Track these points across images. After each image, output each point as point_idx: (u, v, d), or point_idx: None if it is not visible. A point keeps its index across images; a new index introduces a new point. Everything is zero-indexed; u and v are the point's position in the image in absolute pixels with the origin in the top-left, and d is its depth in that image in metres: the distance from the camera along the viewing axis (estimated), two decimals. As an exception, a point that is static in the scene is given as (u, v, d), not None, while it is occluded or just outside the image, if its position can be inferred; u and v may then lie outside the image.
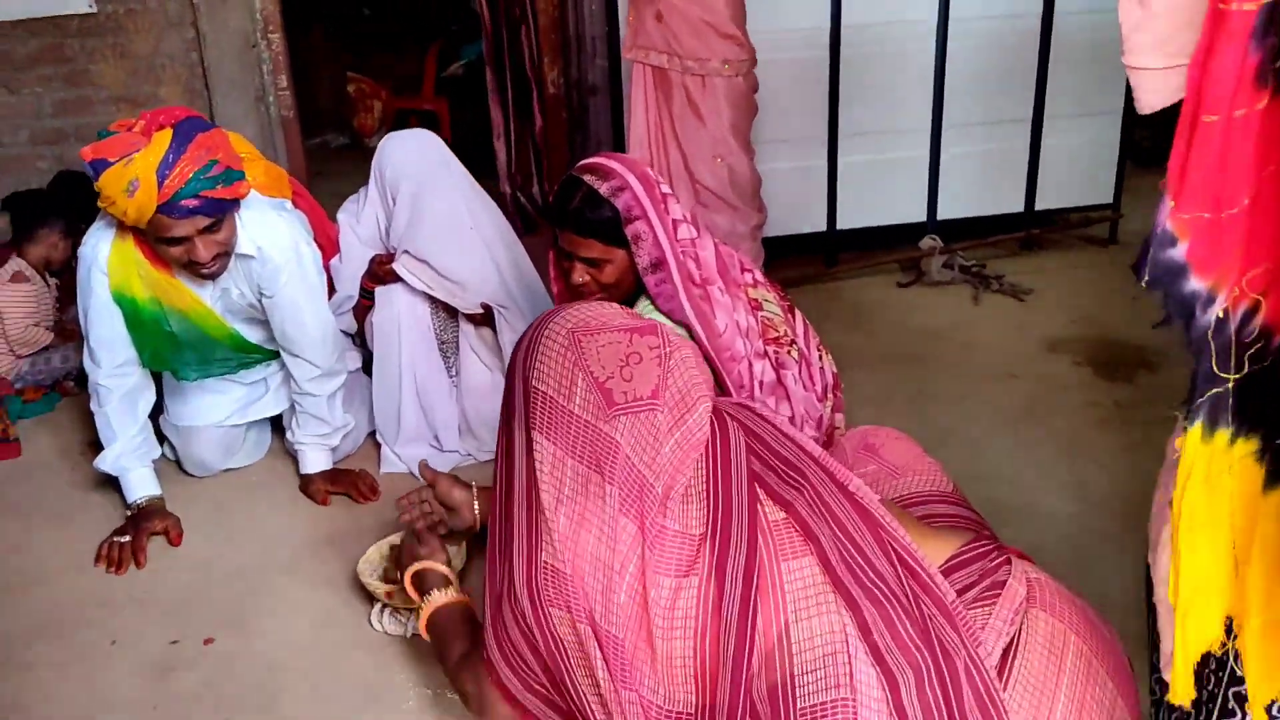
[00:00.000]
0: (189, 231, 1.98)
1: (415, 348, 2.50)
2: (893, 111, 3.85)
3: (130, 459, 2.21)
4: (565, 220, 1.85)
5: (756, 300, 1.96)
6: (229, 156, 2.02)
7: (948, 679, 1.19)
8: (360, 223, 2.53)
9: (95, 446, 2.29)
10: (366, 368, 2.67)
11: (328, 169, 7.02)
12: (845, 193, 3.90)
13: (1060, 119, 3.96)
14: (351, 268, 2.53)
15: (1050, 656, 1.25)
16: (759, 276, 2.05)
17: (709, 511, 1.19)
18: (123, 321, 2.14)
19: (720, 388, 1.88)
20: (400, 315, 2.47)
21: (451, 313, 2.52)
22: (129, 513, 2.21)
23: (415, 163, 2.40)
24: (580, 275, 1.88)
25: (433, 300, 2.48)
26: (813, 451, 1.27)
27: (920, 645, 1.18)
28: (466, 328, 2.51)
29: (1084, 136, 4.01)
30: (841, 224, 3.94)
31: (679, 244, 1.85)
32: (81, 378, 2.97)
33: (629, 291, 1.91)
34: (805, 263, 3.92)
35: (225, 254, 2.10)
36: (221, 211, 2.02)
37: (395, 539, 1.96)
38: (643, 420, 1.19)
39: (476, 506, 1.82)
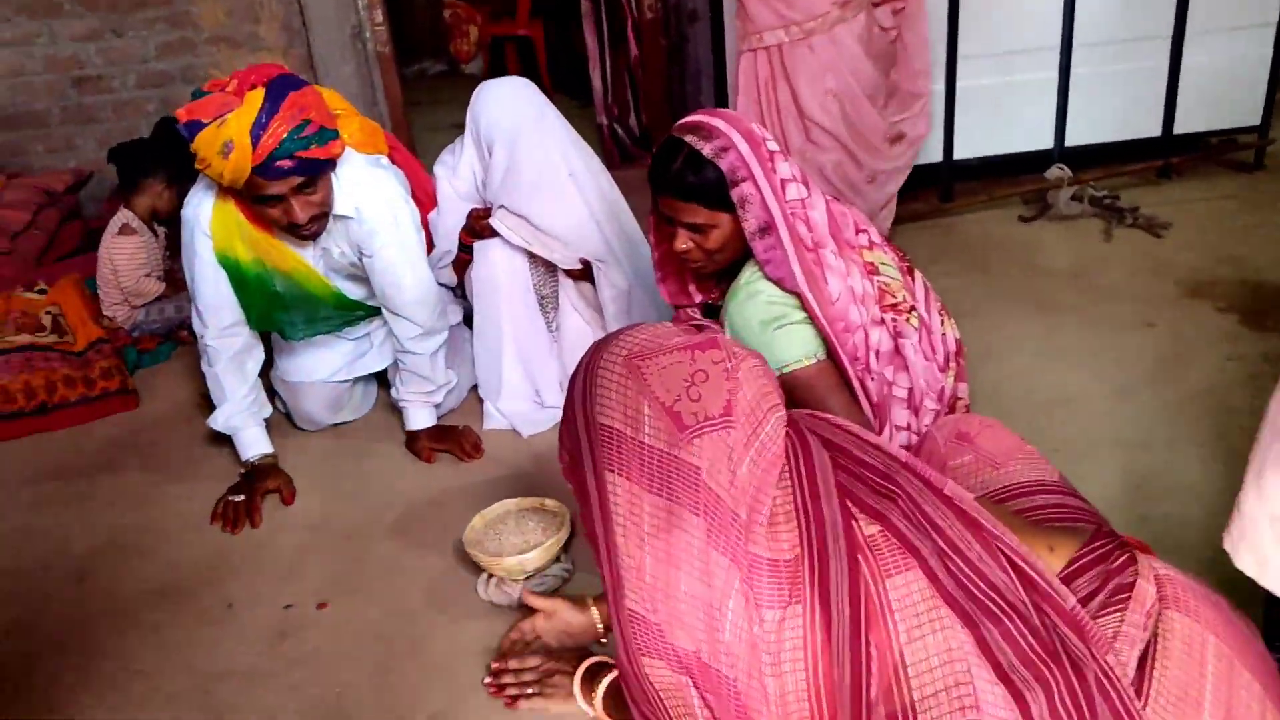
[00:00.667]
0: (284, 191, 1.96)
1: (515, 303, 2.45)
2: (1018, 29, 3.56)
3: (242, 418, 2.24)
4: (666, 184, 1.74)
5: (872, 263, 1.83)
6: (322, 115, 1.97)
7: (1080, 695, 1.10)
8: (457, 175, 2.47)
9: (209, 400, 2.33)
10: (468, 320, 2.64)
11: (425, 97, 7.01)
12: (964, 119, 3.65)
13: (1203, 35, 3.60)
14: (449, 221, 2.49)
15: (1190, 661, 1.14)
16: (875, 237, 1.91)
17: (801, 532, 1.12)
18: (228, 283, 2.15)
19: (833, 361, 1.77)
20: (499, 271, 2.42)
21: (550, 267, 2.46)
22: (243, 470, 2.25)
23: (510, 113, 2.31)
24: (684, 242, 1.78)
25: (531, 255, 2.42)
26: (901, 456, 1.18)
27: (1047, 660, 1.09)
28: (566, 282, 2.44)
29: (1230, 53, 3.65)
30: (959, 154, 3.70)
31: (788, 205, 1.73)
32: (195, 327, 3.05)
33: (735, 257, 1.81)
34: (918, 198, 3.72)
35: (323, 215, 2.07)
36: (317, 171, 1.98)
37: (500, 507, 1.95)
38: (717, 441, 1.11)
39: (598, 620, 1.61)
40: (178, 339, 3.11)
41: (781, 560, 1.10)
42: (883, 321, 1.83)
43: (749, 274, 1.77)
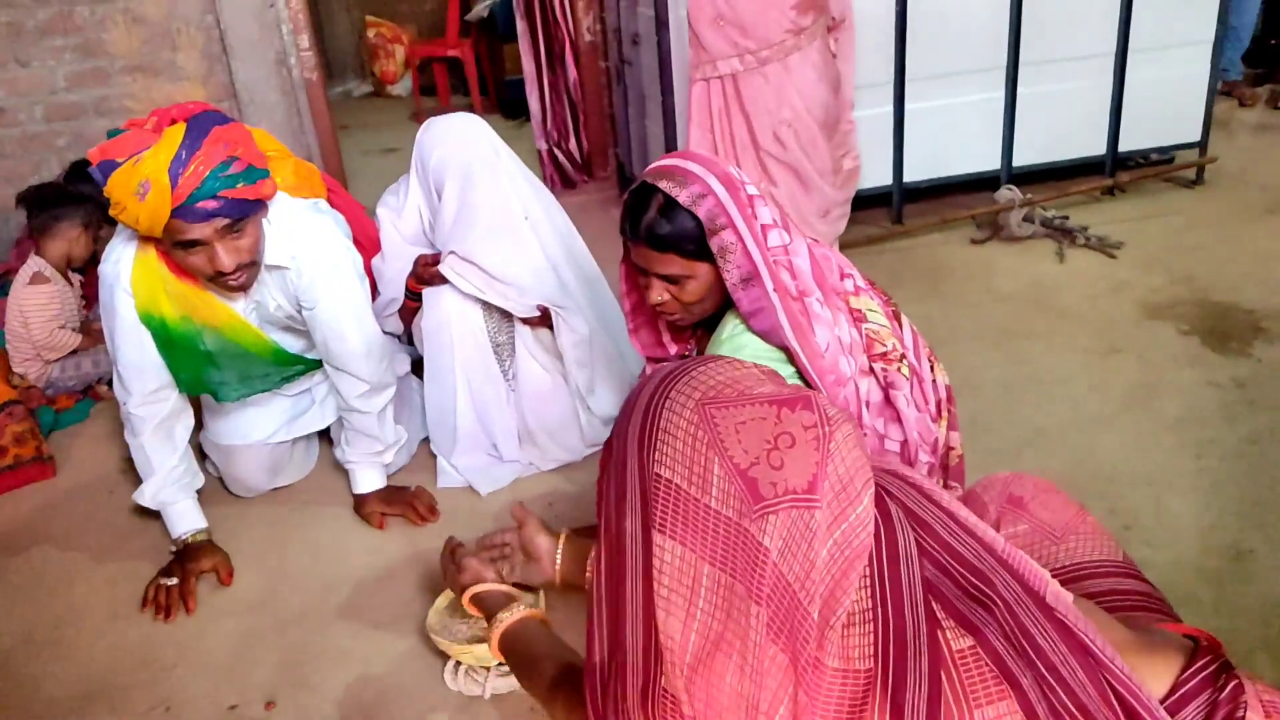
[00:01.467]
0: (208, 234, 1.77)
1: (468, 352, 2.30)
2: (964, 50, 3.53)
3: (171, 491, 2.05)
4: (639, 234, 1.62)
5: (859, 310, 1.73)
6: (250, 153, 1.80)
7: None
8: (402, 218, 2.31)
9: (133, 466, 2.12)
10: (416, 369, 2.48)
11: (353, 119, 6.78)
12: (913, 142, 3.60)
13: (1144, 52, 3.61)
14: (395, 267, 2.32)
15: None
16: (860, 282, 1.81)
17: (876, 639, 0.97)
18: (153, 344, 1.96)
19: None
20: (450, 319, 2.26)
21: (506, 313, 2.31)
22: (174, 549, 2.05)
23: (460, 152, 2.16)
24: (659, 294, 1.66)
25: (485, 301, 2.27)
26: (994, 544, 1.04)
27: None
28: (522, 329, 2.30)
29: (1169, 71, 3.67)
30: (909, 177, 3.66)
31: (770, 252, 1.62)
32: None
33: (714, 308, 1.69)
34: (870, 220, 3.66)
35: (252, 264, 1.90)
36: (245, 213, 1.80)
37: (464, 584, 1.79)
38: (796, 521, 0.96)
39: (559, 559, 1.63)
40: (95, 395, 2.88)
41: (850, 670, 0.97)
42: (872, 371, 1.72)
43: (731, 326, 1.65)
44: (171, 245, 1.81)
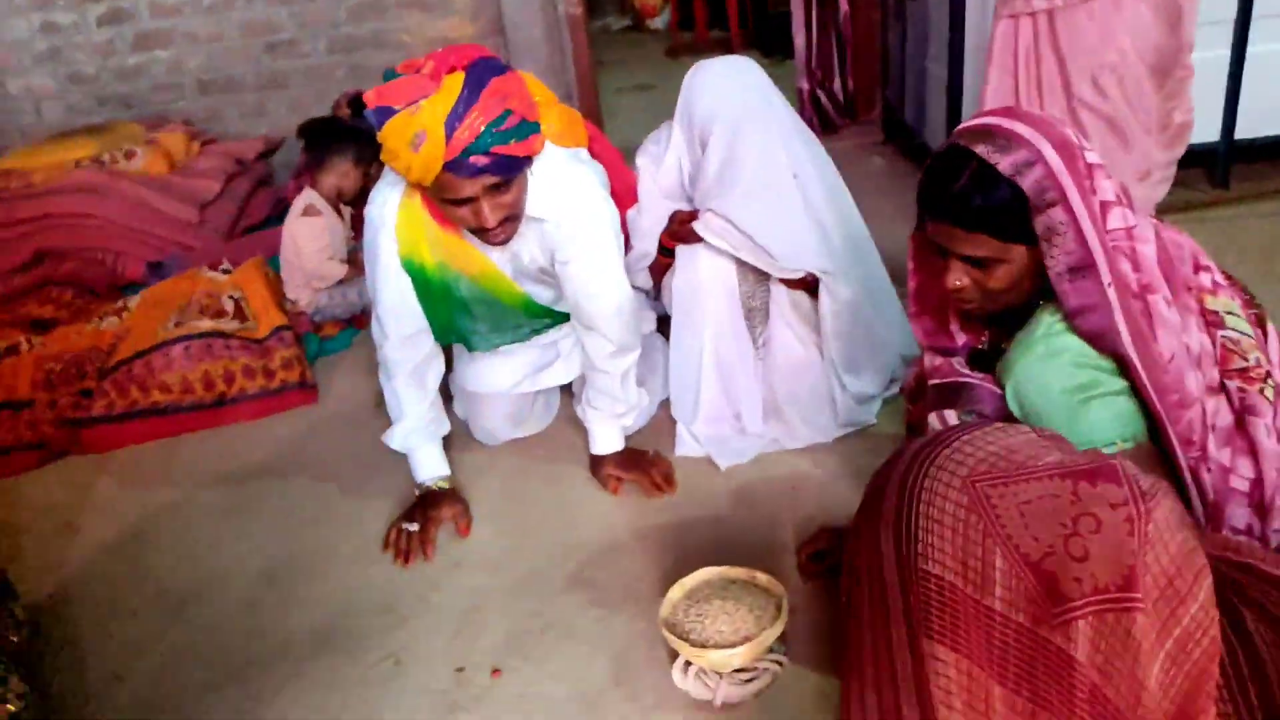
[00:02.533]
0: (475, 192, 1.71)
1: (719, 316, 2.14)
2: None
3: (419, 437, 2.05)
4: (944, 207, 1.36)
5: (1215, 313, 1.40)
6: (524, 105, 1.69)
7: None
8: (661, 170, 2.16)
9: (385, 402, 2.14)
10: (660, 326, 2.35)
11: (608, 55, 6.74)
12: (1250, 92, 3.03)
13: None
14: (650, 220, 2.19)
15: None
16: (1218, 276, 1.47)
17: None
18: (412, 289, 1.94)
19: (1159, 444, 1.36)
20: (703, 280, 2.11)
21: (761, 276, 2.13)
22: (417, 492, 2.06)
23: (732, 101, 1.97)
24: (958, 277, 1.40)
25: (741, 260, 2.09)
26: None
27: None
28: (778, 295, 2.11)
29: None
30: (1242, 133, 3.09)
31: (1110, 237, 1.32)
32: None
33: (1022, 299, 1.42)
34: (1185, 183, 3.14)
35: (514, 217, 1.82)
36: (513, 171, 1.72)
37: (701, 576, 1.66)
38: (1113, 628, 0.74)
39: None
40: (359, 325, 2.98)
41: None
42: (1224, 390, 1.39)
43: (1048, 323, 1.38)
44: (438, 199, 1.76)
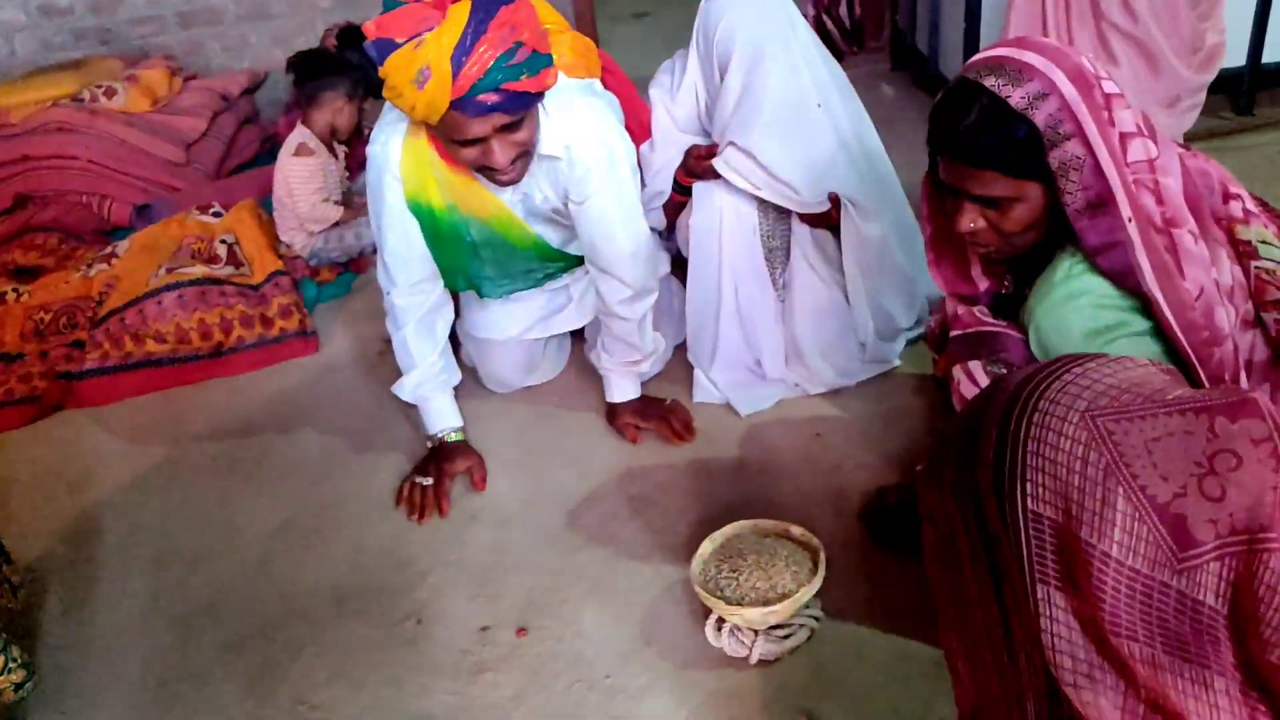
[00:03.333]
0: (485, 132, 1.60)
1: (738, 256, 2.06)
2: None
3: (430, 387, 1.97)
4: (954, 145, 1.28)
5: (1247, 243, 1.33)
6: (535, 36, 1.58)
7: None
8: (676, 101, 2.05)
9: (390, 348, 2.07)
10: (674, 267, 2.27)
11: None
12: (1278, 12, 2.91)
13: None
14: (665, 156, 2.09)
15: None
16: (1249, 204, 1.40)
17: None
18: (420, 234, 1.84)
19: (1192, 381, 1.30)
20: (722, 218, 2.02)
21: (782, 215, 2.04)
22: (430, 445, 1.99)
23: (753, 26, 1.86)
24: (972, 219, 1.33)
25: (761, 199, 2.00)
26: None
27: None
28: (800, 234, 2.02)
29: None
30: (1268, 57, 2.98)
31: (1130, 170, 1.25)
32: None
33: (1040, 239, 1.35)
34: (1207, 109, 3.03)
35: (525, 155, 1.71)
36: (524, 108, 1.61)
37: (732, 530, 1.60)
38: (1248, 568, 0.69)
39: None
40: (357, 268, 2.88)
41: None
42: (1258, 324, 1.34)
43: (1068, 264, 1.31)
44: (446, 139, 1.66)
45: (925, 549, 0.87)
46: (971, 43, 3.03)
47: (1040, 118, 1.24)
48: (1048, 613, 0.75)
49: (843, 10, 4.25)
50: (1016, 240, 1.36)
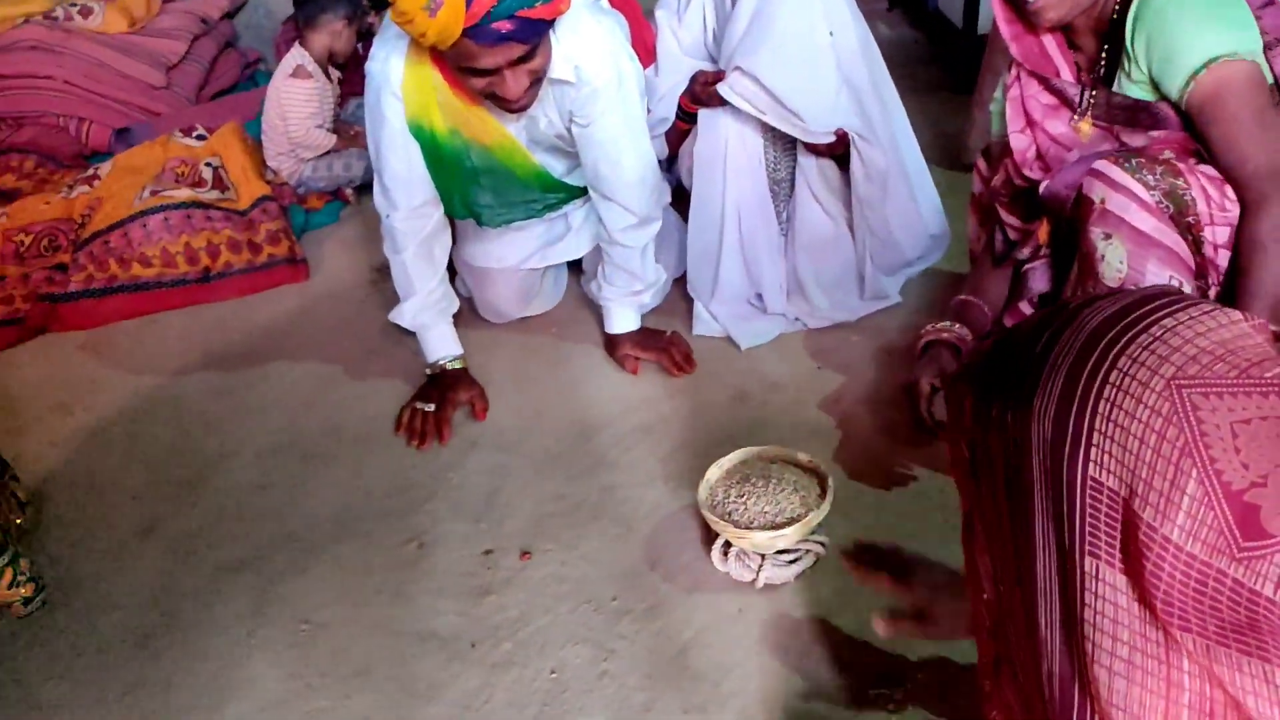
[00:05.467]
0: (498, 63, 1.55)
1: (742, 187, 2.03)
2: None
3: (430, 315, 1.94)
4: None
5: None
6: (550, -43, 1.53)
7: None
8: (682, 24, 2.01)
9: (384, 272, 2.06)
10: (674, 199, 2.23)
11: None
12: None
13: None
14: (669, 82, 2.05)
15: None
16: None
17: None
18: (420, 156, 1.80)
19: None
20: (727, 147, 1.99)
21: (788, 145, 2.01)
22: (429, 372, 1.97)
23: (765, -53, 1.81)
24: None
25: (767, 127, 1.97)
26: None
27: None
28: (806, 165, 2.00)
29: None
30: None
31: None
32: (362, 186, 2.75)
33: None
34: None
35: (537, 82, 1.67)
36: (538, 35, 1.56)
37: (739, 456, 1.60)
38: None
39: None
40: (343, 198, 2.82)
41: None
42: None
43: None
44: (456, 66, 1.61)
45: (952, 464, 0.84)
46: (971, -19, 2.98)
47: None
48: (1093, 588, 0.69)
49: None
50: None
